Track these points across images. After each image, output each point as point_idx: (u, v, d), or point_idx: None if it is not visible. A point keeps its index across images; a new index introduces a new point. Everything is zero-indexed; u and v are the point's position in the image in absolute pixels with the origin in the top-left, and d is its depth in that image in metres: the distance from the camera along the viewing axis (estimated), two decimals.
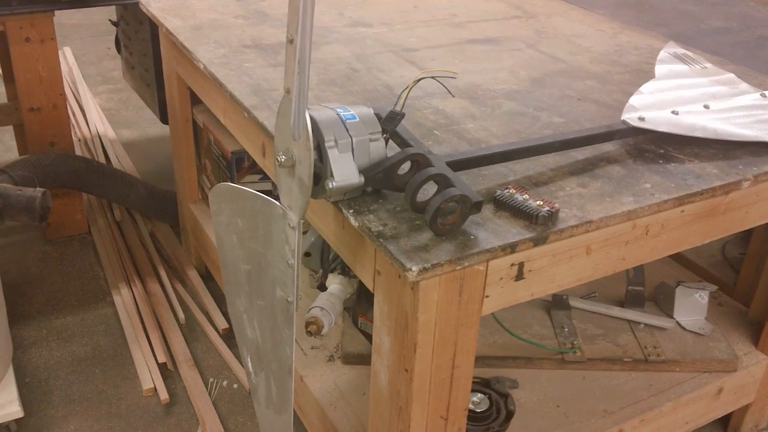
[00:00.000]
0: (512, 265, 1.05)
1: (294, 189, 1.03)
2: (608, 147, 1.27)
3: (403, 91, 1.09)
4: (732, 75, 1.52)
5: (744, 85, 1.48)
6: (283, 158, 1.02)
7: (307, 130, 0.96)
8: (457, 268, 0.97)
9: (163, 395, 1.76)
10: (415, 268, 0.94)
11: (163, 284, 2.14)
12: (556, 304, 1.67)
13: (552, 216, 1.04)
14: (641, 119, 1.27)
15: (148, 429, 1.71)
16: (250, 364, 1.30)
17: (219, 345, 1.94)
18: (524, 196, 1.06)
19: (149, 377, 1.81)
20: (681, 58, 1.56)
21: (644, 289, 1.69)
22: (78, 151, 2.80)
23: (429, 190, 1.02)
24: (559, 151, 1.21)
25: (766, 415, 1.76)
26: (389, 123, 1.07)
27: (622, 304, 1.70)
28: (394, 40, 1.75)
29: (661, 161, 1.24)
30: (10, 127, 2.71)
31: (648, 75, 1.51)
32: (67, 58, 3.80)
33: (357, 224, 1.03)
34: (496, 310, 1.09)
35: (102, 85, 3.67)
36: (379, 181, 1.04)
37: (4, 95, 2.67)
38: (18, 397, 1.64)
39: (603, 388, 1.52)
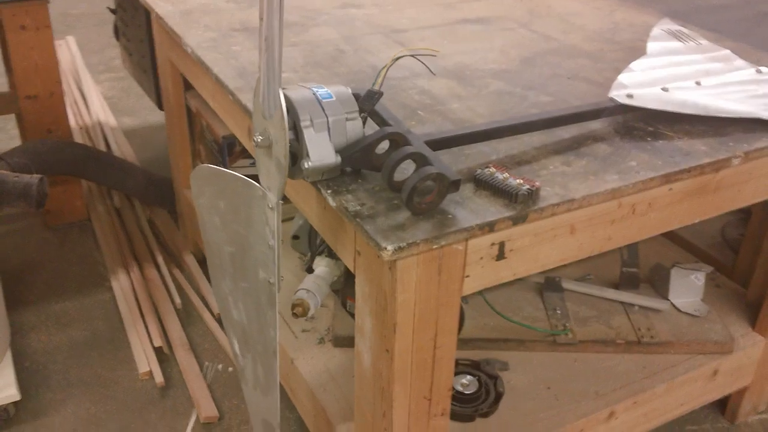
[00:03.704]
0: (492, 244, 1.04)
1: (272, 169, 1.03)
2: (596, 125, 1.26)
3: (381, 70, 1.08)
4: (728, 51, 1.49)
5: (739, 62, 1.46)
6: (259, 138, 1.01)
7: (281, 110, 0.95)
8: (434, 247, 0.96)
9: (159, 378, 1.77)
10: (390, 247, 0.93)
11: (160, 269, 2.15)
12: (549, 286, 1.66)
13: (532, 194, 1.02)
14: (629, 96, 1.26)
15: (143, 412, 1.72)
16: (236, 346, 1.30)
17: (215, 329, 1.94)
18: (504, 175, 1.05)
19: (145, 361, 1.82)
20: (675, 35, 1.54)
21: (639, 271, 1.67)
22: (79, 139, 2.81)
23: (409, 169, 1.01)
24: (544, 130, 1.20)
25: (765, 398, 1.74)
26: (367, 102, 1.05)
27: (616, 286, 1.69)
28: (383, 21, 1.73)
29: (649, 139, 1.22)
30: (13, 116, 2.72)
31: (642, 53, 1.48)
32: (70, 47, 3.81)
33: (335, 204, 1.03)
34: (478, 290, 1.08)
35: (105, 74, 3.67)
36: (357, 161, 1.03)
37: (6, 84, 2.68)
38: (15, 380, 1.65)
39: (595, 370, 1.51)
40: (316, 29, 1.68)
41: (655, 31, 1.54)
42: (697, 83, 1.33)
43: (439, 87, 1.39)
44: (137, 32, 2.40)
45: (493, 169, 1.07)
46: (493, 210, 1.01)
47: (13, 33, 2.05)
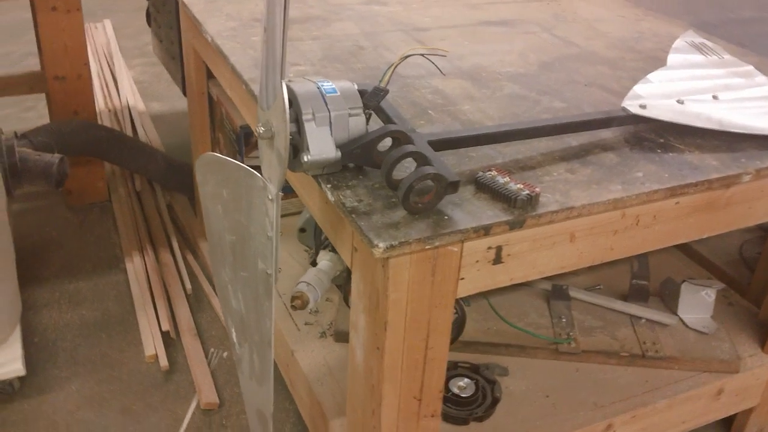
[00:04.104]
0: (489, 248, 1.03)
1: (273, 161, 1.03)
2: (606, 134, 1.24)
3: (389, 68, 1.08)
4: (750, 67, 1.46)
5: (761, 78, 1.43)
6: (262, 129, 1.02)
7: (283, 102, 0.95)
8: (427, 247, 0.96)
9: (163, 362, 1.79)
10: (381, 245, 0.93)
11: (174, 254, 2.17)
12: (556, 293, 1.64)
13: (531, 200, 1.02)
14: (642, 107, 1.24)
15: (146, 394, 1.74)
16: (234, 335, 1.31)
17: (223, 316, 1.96)
18: (506, 179, 1.04)
19: (152, 344, 1.84)
20: (698, 48, 1.51)
21: (649, 284, 1.65)
22: (107, 122, 2.85)
23: (410, 168, 1.01)
24: (552, 136, 1.19)
25: None
26: (372, 99, 1.05)
27: (625, 297, 1.66)
28: (406, 18, 1.73)
29: (659, 150, 1.20)
30: (43, 95, 2.77)
31: (663, 63, 1.46)
32: (106, 30, 3.87)
33: (333, 199, 1.03)
34: (473, 293, 1.08)
35: (138, 59, 3.72)
36: (358, 157, 1.03)
37: (38, 64, 2.73)
38: (22, 355, 1.68)
39: (596, 381, 1.49)
40: (339, 24, 1.68)
41: (678, 42, 1.51)
42: (714, 97, 1.31)
43: (452, 87, 1.38)
44: (167, 18, 2.43)
45: (494, 173, 1.06)
46: (490, 213, 1.00)
47: (44, 14, 2.09)
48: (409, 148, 1.00)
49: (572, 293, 1.65)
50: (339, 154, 1.01)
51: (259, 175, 1.07)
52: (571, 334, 1.55)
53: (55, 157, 1.96)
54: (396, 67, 1.07)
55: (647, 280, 1.65)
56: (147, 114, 3.03)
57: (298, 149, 1.02)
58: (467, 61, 1.50)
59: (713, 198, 1.18)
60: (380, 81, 1.08)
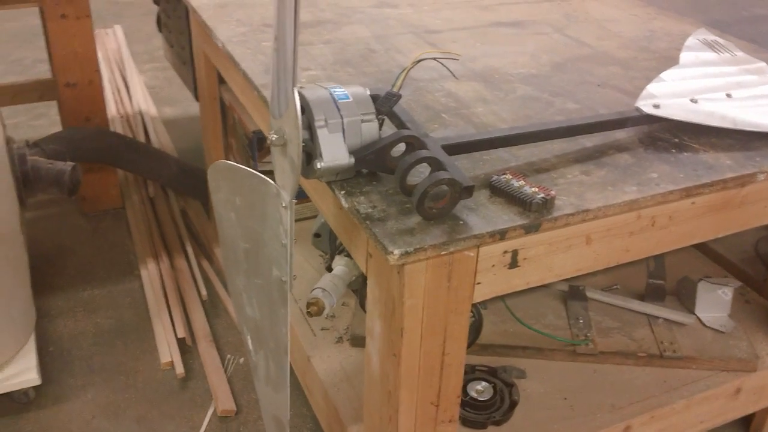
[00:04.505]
0: (505, 252, 1.02)
1: (286, 168, 1.03)
2: (620, 135, 1.23)
3: (401, 72, 1.07)
4: (763, 64, 1.45)
5: None
6: (274, 137, 1.02)
7: (295, 109, 0.95)
8: (443, 253, 0.95)
9: (179, 369, 1.79)
10: (397, 252, 0.93)
11: (189, 260, 2.18)
12: (573, 294, 1.63)
13: (547, 203, 1.01)
14: (656, 106, 1.23)
15: (162, 402, 1.74)
16: (250, 342, 1.31)
17: (238, 323, 1.96)
18: (520, 183, 1.04)
19: (168, 351, 1.85)
20: (710, 45, 1.50)
21: (665, 283, 1.64)
22: (119, 128, 2.87)
23: (424, 173, 1.00)
24: (566, 138, 1.18)
25: None
26: (385, 104, 1.05)
27: (642, 297, 1.65)
28: (417, 21, 1.72)
29: (673, 150, 1.19)
30: (55, 102, 2.79)
31: (676, 62, 1.45)
32: (117, 35, 3.89)
33: (347, 205, 1.03)
34: (489, 297, 1.07)
35: (149, 63, 3.74)
36: (371, 163, 1.03)
37: (49, 71, 2.74)
38: (37, 365, 1.69)
39: (614, 382, 1.48)
40: (349, 27, 1.68)
41: (690, 41, 1.50)
42: (728, 95, 1.29)
43: (465, 90, 1.37)
44: (178, 23, 2.44)
45: (509, 176, 1.05)
46: (505, 218, 1.00)
47: (54, 21, 2.10)
48: (423, 153, 0.99)
49: (589, 294, 1.64)
50: (352, 160, 1.01)
51: (272, 182, 1.07)
52: (588, 335, 1.54)
53: (68, 165, 1.97)
54: (409, 71, 1.07)
55: (663, 280, 1.64)
56: (159, 119, 3.04)
57: (311, 156, 1.02)
58: (479, 63, 1.49)
59: (728, 197, 1.17)
60: (393, 86, 1.07)
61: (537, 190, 1.02)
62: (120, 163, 2.24)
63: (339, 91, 1.03)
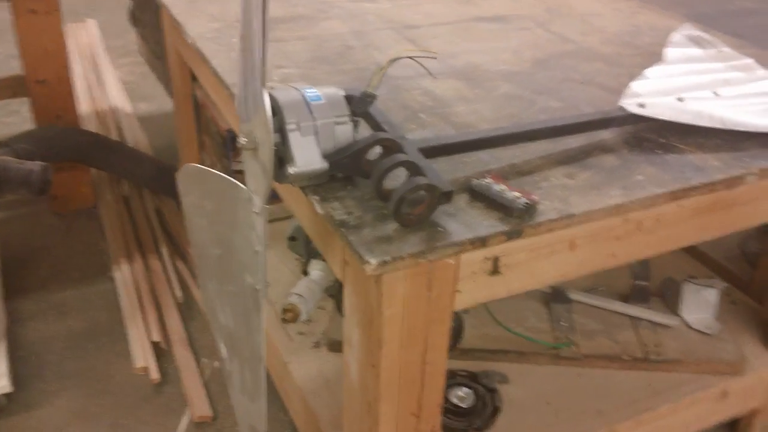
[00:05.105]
0: (486, 259, 0.99)
1: (258, 173, 0.98)
2: (605, 135, 1.20)
3: (376, 72, 1.03)
4: (751, 60, 1.41)
5: (762, 71, 1.38)
6: (244, 141, 0.97)
7: (265, 112, 0.91)
8: (421, 261, 0.91)
9: (154, 375, 1.74)
10: (374, 261, 0.88)
11: (164, 261, 2.12)
12: (555, 297, 1.60)
13: (529, 208, 0.97)
14: (641, 106, 1.19)
15: (136, 408, 1.69)
16: (224, 350, 1.27)
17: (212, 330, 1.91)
18: (502, 187, 1.00)
19: (142, 355, 1.80)
20: (695, 41, 1.46)
21: (649, 284, 1.61)
22: (92, 125, 2.80)
23: (402, 177, 0.96)
24: (549, 138, 1.14)
25: None
26: (359, 106, 1.01)
27: (626, 299, 1.62)
28: (396, 16, 1.68)
29: (659, 152, 1.16)
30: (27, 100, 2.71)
31: (661, 58, 1.42)
32: (89, 30, 3.80)
33: (321, 212, 0.98)
34: (471, 305, 1.04)
35: (125, 57, 3.66)
36: (346, 167, 0.99)
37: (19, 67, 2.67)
38: (8, 371, 1.64)
39: (598, 386, 1.45)
40: (326, 23, 1.63)
41: (675, 36, 1.47)
42: (715, 93, 1.26)
43: (444, 88, 1.33)
44: (151, 18, 2.38)
45: (490, 180, 1.01)
46: (486, 224, 0.96)
47: (23, 17, 2.04)
48: (399, 157, 0.95)
49: (572, 296, 1.61)
50: (326, 164, 0.96)
51: (243, 187, 1.02)
52: (571, 338, 1.51)
53: (37, 165, 1.91)
54: (385, 70, 1.02)
55: (648, 281, 1.61)
56: (134, 116, 2.97)
57: (283, 160, 0.97)
58: (460, 60, 1.45)
59: (717, 199, 1.14)
60: (368, 86, 1.02)
61: (519, 194, 0.98)
62: (92, 161, 2.18)
63: (311, 92, 0.98)
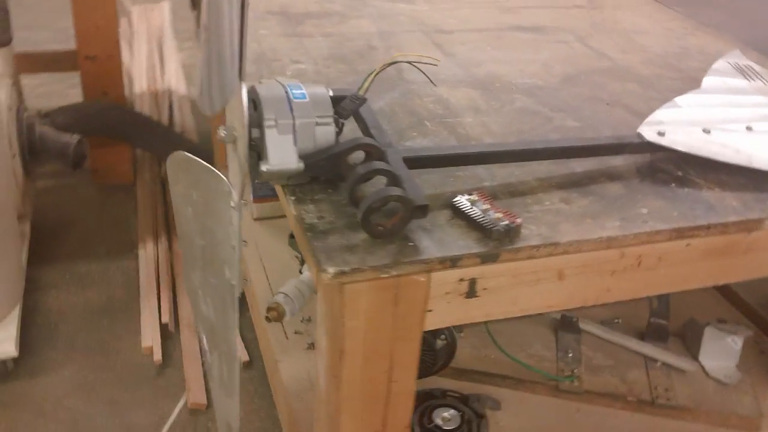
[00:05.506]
0: (461, 280, 0.93)
1: (236, 167, 0.96)
2: (617, 161, 1.12)
3: (369, 75, 0.99)
4: None
5: None
6: (223, 133, 0.95)
7: (242, 106, 0.88)
8: (383, 276, 0.87)
9: (157, 356, 1.75)
10: (331, 270, 0.85)
11: None
12: (565, 325, 1.53)
13: (509, 231, 0.91)
14: (660, 134, 1.11)
15: (136, 387, 1.70)
16: (205, 342, 1.25)
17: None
18: (486, 206, 0.94)
19: (150, 335, 1.81)
20: (741, 70, 1.37)
21: (668, 323, 1.52)
22: (147, 105, 2.84)
23: (382, 186, 0.92)
24: (552, 160, 1.08)
25: None
26: (346, 108, 0.97)
27: (643, 336, 1.53)
28: (430, 19, 1.63)
29: (673, 184, 1.08)
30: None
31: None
32: (163, 12, 3.88)
33: (294, 213, 0.95)
34: (443, 326, 0.99)
35: (190, 41, 3.71)
36: (324, 169, 0.95)
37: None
38: (16, 337, 1.67)
39: (596, 425, 1.37)
40: (356, 21, 1.60)
41: (719, 63, 1.37)
42: (748, 128, 1.17)
43: (459, 97, 1.28)
44: None
45: (476, 197, 0.96)
46: (461, 243, 0.91)
47: None
48: (377, 164, 0.91)
49: (583, 326, 1.53)
50: (302, 165, 0.93)
51: (225, 179, 1.00)
52: (575, 371, 1.44)
53: (74, 138, 1.95)
54: (377, 74, 0.98)
55: (667, 319, 1.51)
56: (187, 98, 3.01)
57: (260, 156, 0.95)
58: (483, 69, 1.40)
59: (731, 242, 1.05)
60: (359, 88, 0.99)
61: (502, 215, 0.93)
62: (130, 140, 2.21)
63: (297, 90, 0.95)
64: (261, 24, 1.51)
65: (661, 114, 1.17)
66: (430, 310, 0.95)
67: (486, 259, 0.90)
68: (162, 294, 1.92)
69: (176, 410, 1.65)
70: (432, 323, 0.96)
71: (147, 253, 2.08)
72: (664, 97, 1.34)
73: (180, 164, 1.12)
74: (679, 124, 1.14)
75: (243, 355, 1.79)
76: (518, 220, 0.92)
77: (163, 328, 1.84)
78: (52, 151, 1.95)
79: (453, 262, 0.89)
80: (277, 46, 1.42)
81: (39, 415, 1.60)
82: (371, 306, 0.91)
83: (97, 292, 1.98)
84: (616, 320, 1.59)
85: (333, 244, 0.89)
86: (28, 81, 2.89)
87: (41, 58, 2.40)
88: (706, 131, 1.14)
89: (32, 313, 1.87)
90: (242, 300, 1.95)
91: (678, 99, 1.23)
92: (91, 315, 1.90)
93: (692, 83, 1.41)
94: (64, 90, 3.08)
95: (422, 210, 0.90)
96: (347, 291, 0.89)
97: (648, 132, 1.11)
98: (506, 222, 0.91)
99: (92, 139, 2.29)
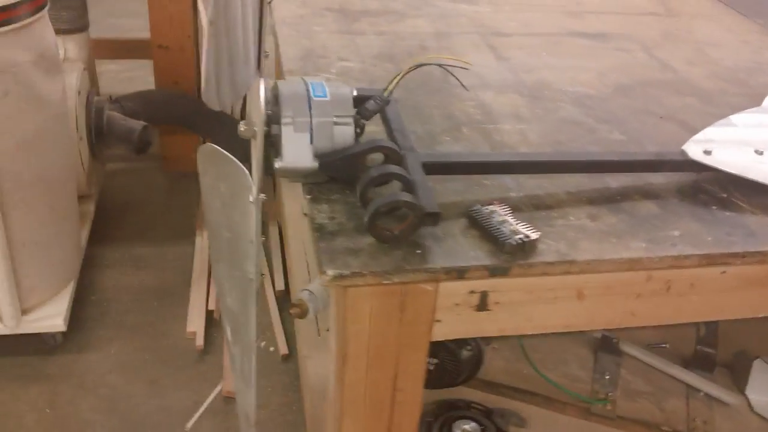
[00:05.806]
0: (472, 292, 0.90)
1: (254, 161, 0.96)
2: (657, 179, 1.06)
3: (395, 76, 0.97)
4: None
5: None
6: (243, 128, 0.95)
7: (260, 101, 0.88)
8: (385, 282, 0.85)
9: (199, 342, 1.79)
10: (330, 272, 0.84)
11: None
12: (605, 346, 1.46)
13: (524, 246, 0.88)
14: (707, 152, 1.05)
15: (177, 370, 1.75)
16: (229, 333, 1.27)
17: (271, 305, 1.93)
18: (504, 218, 0.91)
19: (195, 321, 1.84)
20: None
21: (716, 352, 1.43)
22: None
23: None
24: (582, 173, 1.03)
25: None
26: (368, 109, 0.95)
27: (688, 364, 1.45)
28: (490, 21, 1.60)
29: (714, 207, 1.01)
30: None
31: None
32: None
33: (307, 211, 0.95)
34: (452, 338, 0.96)
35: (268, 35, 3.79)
36: (338, 170, 0.94)
37: None
38: (66, 312, 1.73)
39: None
40: (413, 20, 1.58)
41: None
42: None
43: (502, 103, 1.24)
44: None
45: (495, 208, 0.93)
46: (471, 255, 0.88)
47: None
48: (391, 168, 0.89)
49: (624, 348, 1.46)
50: (316, 164, 0.92)
51: (247, 172, 1.00)
52: (610, 394, 1.38)
53: (139, 124, 2.01)
54: (404, 76, 0.96)
55: (714, 348, 1.43)
56: None
57: (276, 153, 0.95)
58: (534, 75, 1.35)
59: None
60: (384, 89, 0.97)
61: (518, 229, 0.89)
62: (196, 129, 2.26)
63: (318, 88, 0.94)
64: (317, 20, 1.52)
65: (711, 131, 1.10)
66: (439, 321, 0.92)
67: (495, 272, 0.87)
68: (211, 281, 1.96)
69: (211, 397, 1.68)
70: (441, 334, 0.94)
71: (203, 240, 2.13)
72: (723, 113, 1.26)
73: (209, 156, 1.13)
74: (729, 144, 1.07)
75: (282, 348, 1.80)
76: (534, 235, 0.89)
77: (209, 315, 1.88)
78: (117, 135, 2.01)
79: (459, 273, 0.86)
80: (328, 43, 1.42)
81: (79, 389, 1.67)
82: (376, 311, 0.89)
83: (151, 275, 2.04)
84: (663, 345, 1.52)
85: (338, 246, 0.87)
86: (113, 66, 3.02)
87: (116, 46, 2.49)
88: (759, 152, 1.07)
89: (87, 290, 1.94)
90: (286, 293, 1.98)
91: (733, 117, 1.16)
92: (142, 296, 1.96)
93: (758, 100, 1.32)
94: (145, 76, 3.19)
95: (433, 218, 0.87)
96: (351, 294, 0.87)
97: (693, 149, 1.05)
98: (521, 236, 0.88)
99: (163, 127, 2.36)
